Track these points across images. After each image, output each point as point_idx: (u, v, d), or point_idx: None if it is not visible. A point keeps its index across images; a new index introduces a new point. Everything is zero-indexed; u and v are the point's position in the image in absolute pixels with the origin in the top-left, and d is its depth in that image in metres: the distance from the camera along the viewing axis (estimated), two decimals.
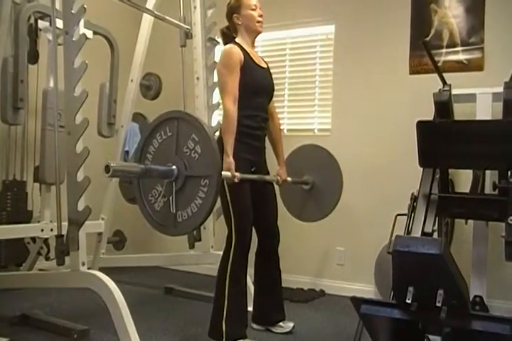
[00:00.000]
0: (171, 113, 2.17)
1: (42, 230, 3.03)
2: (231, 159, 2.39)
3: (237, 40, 2.65)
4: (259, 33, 2.70)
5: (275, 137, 2.86)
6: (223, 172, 2.25)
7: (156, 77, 4.25)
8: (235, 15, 2.65)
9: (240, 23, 2.65)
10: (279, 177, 2.77)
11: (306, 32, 4.01)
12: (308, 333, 2.77)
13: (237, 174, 2.38)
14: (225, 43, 2.69)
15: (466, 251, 2.87)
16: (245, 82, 2.52)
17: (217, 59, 4.04)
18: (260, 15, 2.66)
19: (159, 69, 4.27)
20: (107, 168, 1.86)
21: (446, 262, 1.73)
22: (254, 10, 2.64)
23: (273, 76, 2.78)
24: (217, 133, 2.60)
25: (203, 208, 2.02)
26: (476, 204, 2.49)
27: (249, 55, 2.60)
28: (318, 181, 3.05)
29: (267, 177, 2.71)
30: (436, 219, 2.41)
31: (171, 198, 2.09)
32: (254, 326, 2.76)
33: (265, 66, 2.74)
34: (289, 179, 2.85)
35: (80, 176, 2.46)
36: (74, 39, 2.50)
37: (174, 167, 2.07)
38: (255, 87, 2.59)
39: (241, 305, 2.50)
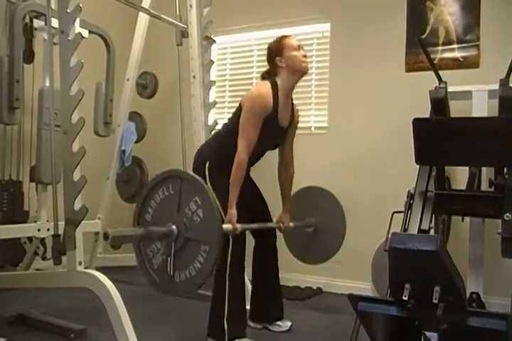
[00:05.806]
0: (175, 172, 2.13)
1: (38, 230, 3.03)
2: (234, 210, 2.37)
3: (278, 80, 2.56)
4: (305, 73, 2.59)
5: (284, 185, 2.79)
6: (224, 226, 2.22)
7: (152, 76, 4.24)
8: (277, 58, 2.56)
9: (283, 65, 2.55)
10: (281, 224, 2.75)
11: (302, 30, 4.01)
12: (305, 331, 2.77)
13: (238, 226, 2.35)
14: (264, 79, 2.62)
15: (463, 248, 2.88)
16: None
17: (213, 57, 4.10)
18: (304, 56, 2.58)
19: (155, 68, 4.27)
20: (106, 236, 1.80)
21: (442, 259, 1.73)
22: (297, 50, 2.57)
23: None
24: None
25: (202, 273, 2.00)
26: (472, 201, 2.50)
27: (276, 110, 2.52)
28: (321, 223, 3.04)
29: (269, 225, 2.69)
30: (433, 216, 2.41)
31: (169, 259, 2.05)
32: (252, 324, 2.76)
33: (286, 125, 2.63)
34: (291, 224, 2.81)
35: (77, 175, 2.45)
36: (69, 38, 2.48)
37: (174, 227, 2.03)
38: (259, 142, 2.48)
39: (241, 304, 2.52)
